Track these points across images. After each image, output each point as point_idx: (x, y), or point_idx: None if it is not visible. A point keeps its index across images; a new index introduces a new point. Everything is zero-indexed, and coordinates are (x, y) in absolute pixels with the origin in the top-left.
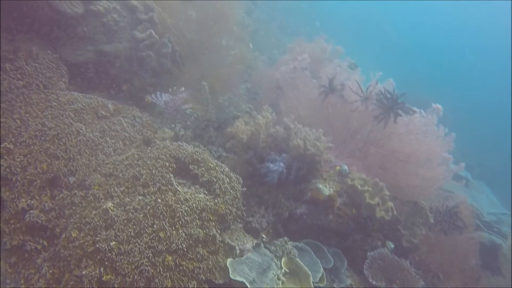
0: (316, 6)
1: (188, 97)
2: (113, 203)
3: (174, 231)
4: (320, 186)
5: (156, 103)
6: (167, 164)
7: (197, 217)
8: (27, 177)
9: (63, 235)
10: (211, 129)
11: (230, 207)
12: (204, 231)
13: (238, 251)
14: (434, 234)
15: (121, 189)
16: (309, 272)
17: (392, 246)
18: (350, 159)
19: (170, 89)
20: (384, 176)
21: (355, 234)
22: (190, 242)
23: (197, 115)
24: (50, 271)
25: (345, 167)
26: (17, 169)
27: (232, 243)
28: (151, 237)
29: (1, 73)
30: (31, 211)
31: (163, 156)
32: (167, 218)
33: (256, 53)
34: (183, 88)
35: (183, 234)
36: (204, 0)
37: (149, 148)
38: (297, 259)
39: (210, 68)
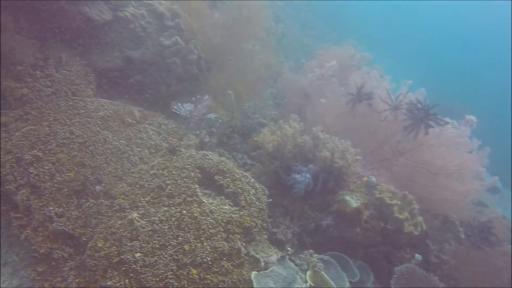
0: (343, 8)
1: (213, 103)
2: (138, 214)
3: (199, 244)
4: (347, 198)
5: (179, 113)
6: (193, 174)
7: (222, 230)
8: (55, 185)
9: (89, 245)
10: (237, 136)
11: (255, 220)
12: (229, 244)
13: (262, 264)
14: (465, 248)
15: (147, 199)
16: (335, 286)
17: (420, 258)
18: (378, 169)
19: (193, 98)
20: (413, 188)
21: (382, 247)
22: (215, 255)
23: (223, 121)
24: (76, 280)
25: (373, 178)
26: (46, 177)
27: (257, 256)
28: (176, 249)
29: (32, 80)
30: (59, 219)
31: (189, 166)
32: (192, 230)
33: (282, 59)
34: (206, 96)
35: (208, 247)
36: (231, 1)
37: (175, 157)
38: (322, 273)
39: (236, 74)
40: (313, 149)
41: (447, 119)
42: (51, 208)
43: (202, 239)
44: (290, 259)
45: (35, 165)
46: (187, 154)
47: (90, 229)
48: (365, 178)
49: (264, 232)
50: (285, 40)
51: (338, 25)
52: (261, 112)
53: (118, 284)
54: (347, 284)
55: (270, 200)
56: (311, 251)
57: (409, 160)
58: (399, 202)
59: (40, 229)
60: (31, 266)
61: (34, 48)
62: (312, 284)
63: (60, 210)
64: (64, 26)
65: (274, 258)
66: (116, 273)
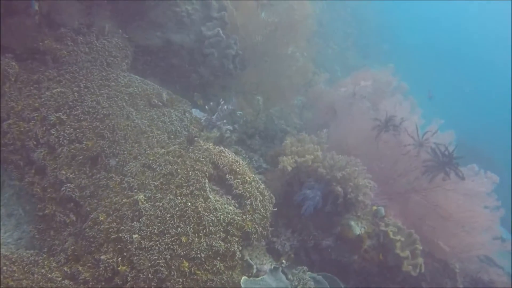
0: (387, 27)
1: (241, 101)
2: (144, 196)
3: (196, 239)
4: (352, 223)
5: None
6: (205, 168)
7: (221, 229)
8: (72, 150)
9: (92, 216)
10: (257, 137)
11: (256, 226)
12: (226, 245)
13: (254, 271)
14: None
15: (156, 183)
16: None
17: None
18: (390, 201)
19: (206, 107)
20: (421, 228)
21: (377, 279)
22: (210, 253)
23: (247, 120)
24: (72, 247)
25: (382, 209)
26: (65, 141)
27: (251, 261)
28: (173, 239)
29: (73, 44)
30: (68, 185)
31: (203, 159)
32: (193, 224)
33: (320, 70)
34: (222, 102)
35: (205, 244)
36: (279, 2)
37: (192, 147)
38: None
39: (269, 76)
40: (329, 178)
41: (474, 166)
42: (64, 172)
43: (200, 234)
44: (282, 272)
45: (57, 127)
46: (204, 147)
47: (96, 201)
48: (374, 207)
49: (263, 240)
50: (324, 50)
51: (381, 41)
52: (286, 118)
53: (111, 260)
54: None
55: (276, 209)
56: (304, 268)
57: (423, 199)
58: (402, 239)
59: (49, 190)
60: (33, 224)
61: (81, 13)
62: None
63: (71, 176)
64: None
65: (267, 267)
66: (111, 249)
